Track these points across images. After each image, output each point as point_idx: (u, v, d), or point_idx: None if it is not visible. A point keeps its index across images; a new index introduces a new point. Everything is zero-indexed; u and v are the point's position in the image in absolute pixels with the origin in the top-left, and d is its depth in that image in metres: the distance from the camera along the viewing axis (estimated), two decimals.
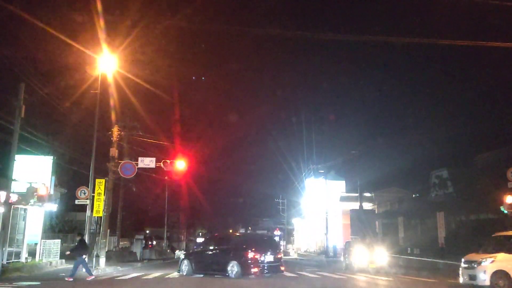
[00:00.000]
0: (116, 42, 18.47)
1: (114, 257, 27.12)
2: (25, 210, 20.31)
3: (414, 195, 34.66)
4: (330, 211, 36.46)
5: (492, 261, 11.65)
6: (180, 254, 22.47)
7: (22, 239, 19.88)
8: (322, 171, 37.52)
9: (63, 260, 22.35)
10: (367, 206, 36.06)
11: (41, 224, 21.68)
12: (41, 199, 17.39)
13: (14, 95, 15.59)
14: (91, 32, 17.26)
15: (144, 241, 38.30)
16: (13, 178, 15.91)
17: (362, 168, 34.93)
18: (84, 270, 15.12)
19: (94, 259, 19.45)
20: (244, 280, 13.58)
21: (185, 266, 15.78)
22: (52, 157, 20.75)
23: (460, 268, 12.48)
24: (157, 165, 20.65)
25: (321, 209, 37.21)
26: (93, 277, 14.93)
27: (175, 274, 16.26)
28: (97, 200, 19.16)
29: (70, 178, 25.22)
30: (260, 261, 13.89)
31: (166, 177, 35.59)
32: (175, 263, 20.89)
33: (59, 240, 24.03)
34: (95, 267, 18.55)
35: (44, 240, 22.09)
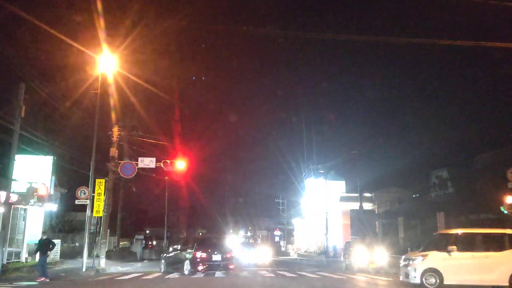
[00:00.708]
0: (116, 42, 18.49)
1: (114, 257, 27.15)
2: (25, 210, 20.32)
3: (414, 195, 34.66)
4: (330, 211, 36.47)
5: (423, 259, 11.80)
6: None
7: (22, 239, 19.90)
8: (322, 171, 37.52)
9: (63, 260, 22.38)
10: (367, 206, 36.08)
11: (41, 224, 21.70)
12: (41, 199, 17.40)
13: (14, 95, 15.60)
14: (91, 32, 17.27)
15: (144, 241, 38.35)
16: (13, 178, 15.90)
17: (362, 168, 34.97)
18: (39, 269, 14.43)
19: (94, 259, 19.48)
20: (244, 280, 13.62)
21: (162, 265, 18.41)
22: (52, 157, 20.76)
23: (400, 266, 12.78)
24: (157, 165, 20.66)
25: (321, 209, 37.22)
26: (42, 279, 14.03)
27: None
28: (97, 200, 19.16)
29: (70, 178, 25.23)
30: (207, 260, 15.70)
31: (166, 177, 35.60)
32: None
33: (59, 240, 24.05)
34: (95, 267, 18.56)
35: None
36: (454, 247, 11.58)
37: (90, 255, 19.72)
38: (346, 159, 35.94)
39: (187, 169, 22.86)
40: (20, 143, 16.26)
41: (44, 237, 15.26)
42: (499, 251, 11.65)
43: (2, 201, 15.66)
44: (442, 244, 11.97)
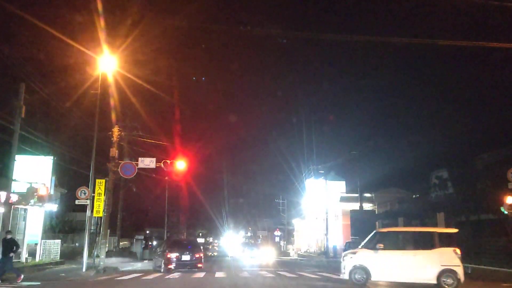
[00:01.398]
0: (117, 42, 18.50)
1: (114, 257, 27.14)
2: (25, 210, 20.33)
3: (414, 196, 34.59)
4: (330, 211, 36.45)
5: (352, 257, 12.36)
6: None
7: (22, 239, 19.89)
8: (322, 172, 37.49)
9: (64, 260, 22.37)
10: (367, 206, 36.04)
11: (41, 224, 21.70)
12: (41, 199, 17.41)
13: (14, 95, 15.60)
14: (91, 32, 17.28)
15: (144, 241, 38.35)
16: (13, 178, 15.92)
17: (362, 169, 34.95)
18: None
19: (94, 259, 19.47)
20: (244, 281, 13.61)
21: (152, 265, 21.07)
22: (52, 157, 20.76)
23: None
24: (157, 165, 20.63)
25: (321, 209, 37.20)
26: (21, 277, 13.67)
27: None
28: (97, 200, 19.15)
29: (70, 178, 25.22)
30: (177, 259, 17.67)
31: (166, 177, 35.56)
32: None
33: (59, 241, 24.06)
34: (95, 267, 18.55)
35: (44, 240, 22.12)
36: (381, 245, 12.05)
37: (90, 255, 19.71)
38: (346, 159, 35.96)
39: (187, 169, 22.83)
40: (20, 143, 16.26)
41: (9, 237, 14.06)
42: (428, 249, 11.87)
43: (2, 201, 15.66)
44: (372, 242, 12.44)
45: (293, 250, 52.37)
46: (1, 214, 16.37)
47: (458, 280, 11.26)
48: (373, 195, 38.40)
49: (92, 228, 21.01)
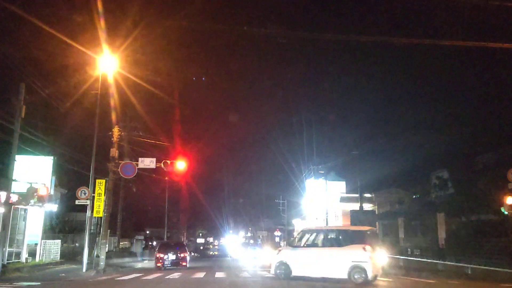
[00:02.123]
0: (117, 42, 18.47)
1: (114, 257, 27.13)
2: (25, 210, 20.34)
3: (414, 196, 34.54)
4: (330, 212, 36.42)
5: (277, 253, 13.57)
6: None
7: (22, 239, 19.91)
8: (322, 172, 37.44)
9: (64, 261, 22.37)
10: (367, 207, 35.98)
11: (41, 225, 21.72)
12: (41, 199, 17.38)
13: (14, 95, 15.59)
14: (92, 32, 17.26)
15: (144, 242, 38.37)
16: (13, 178, 15.90)
17: (362, 169, 34.85)
18: None
19: (94, 259, 19.46)
20: (244, 281, 13.62)
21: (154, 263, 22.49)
22: (52, 157, 20.77)
23: None
24: (157, 165, 20.62)
25: (321, 210, 37.17)
26: None
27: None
28: (97, 201, 19.15)
29: (70, 179, 25.23)
30: (164, 258, 20.41)
31: (166, 178, 35.58)
32: None
33: (59, 241, 24.07)
34: (95, 267, 18.55)
35: (44, 241, 22.14)
36: (300, 242, 13.19)
37: (90, 255, 19.70)
38: (346, 159, 35.90)
39: (187, 169, 22.82)
40: (20, 143, 16.27)
41: None
42: (340, 246, 12.57)
43: (3, 201, 15.65)
44: (295, 240, 13.34)
45: None
46: (1, 214, 16.36)
47: (366, 275, 11.76)
48: (373, 195, 38.34)
49: (92, 228, 21.03)
